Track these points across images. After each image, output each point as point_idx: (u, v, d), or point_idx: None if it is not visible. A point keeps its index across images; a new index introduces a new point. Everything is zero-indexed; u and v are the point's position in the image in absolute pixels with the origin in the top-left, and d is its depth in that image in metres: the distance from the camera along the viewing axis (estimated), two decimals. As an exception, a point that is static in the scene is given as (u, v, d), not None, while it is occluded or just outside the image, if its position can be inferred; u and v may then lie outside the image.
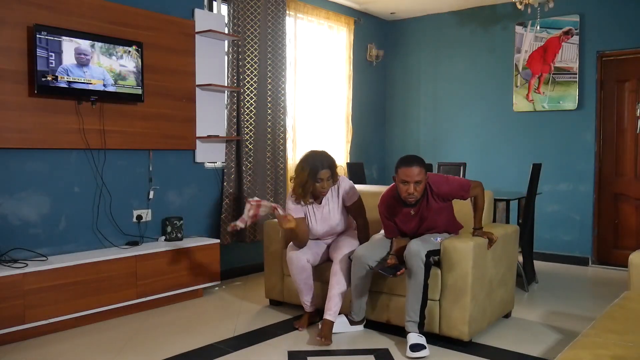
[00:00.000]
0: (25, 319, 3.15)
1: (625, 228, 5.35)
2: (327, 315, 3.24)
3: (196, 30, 4.37)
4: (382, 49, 6.55)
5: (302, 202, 3.45)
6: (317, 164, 3.32)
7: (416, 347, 2.95)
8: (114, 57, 3.71)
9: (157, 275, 3.82)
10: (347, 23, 6.02)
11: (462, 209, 3.63)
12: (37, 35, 3.30)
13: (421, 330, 3.05)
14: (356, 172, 5.35)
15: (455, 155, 6.14)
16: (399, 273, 3.05)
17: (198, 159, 4.48)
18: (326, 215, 3.51)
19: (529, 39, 5.75)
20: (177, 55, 4.23)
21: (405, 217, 3.22)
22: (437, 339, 3.15)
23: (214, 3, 4.68)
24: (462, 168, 5.19)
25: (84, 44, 3.54)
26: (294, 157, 5.25)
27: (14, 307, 3.10)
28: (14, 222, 3.42)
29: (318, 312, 3.49)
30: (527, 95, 5.76)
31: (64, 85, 3.45)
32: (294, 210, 3.44)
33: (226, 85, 4.64)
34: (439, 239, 3.14)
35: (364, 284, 3.27)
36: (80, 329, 3.42)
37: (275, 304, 3.95)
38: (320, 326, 3.26)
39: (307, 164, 3.33)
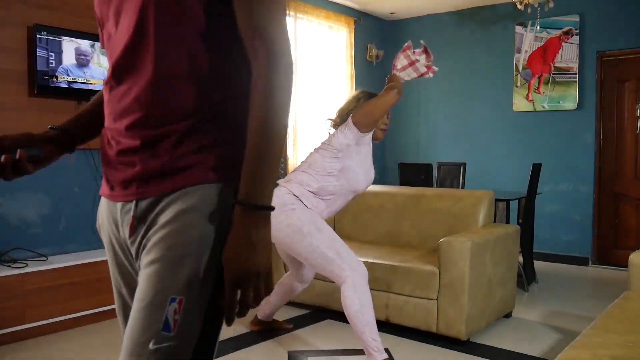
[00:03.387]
0: (25, 319, 3.15)
1: (625, 228, 5.35)
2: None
3: (196, 31, 4.36)
4: (382, 49, 6.55)
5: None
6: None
7: None
8: (114, 57, 3.70)
9: (157, 275, 3.81)
10: (347, 23, 6.02)
11: (462, 210, 3.61)
12: (37, 35, 3.31)
13: None
14: (356, 172, 5.33)
15: (455, 155, 6.13)
16: None
17: (198, 159, 4.47)
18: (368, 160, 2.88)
19: (529, 39, 5.75)
20: (177, 55, 4.23)
21: None
22: (434, 338, 3.15)
23: (214, 3, 4.68)
24: (462, 168, 5.19)
25: (84, 44, 3.54)
26: (294, 157, 5.25)
27: (14, 307, 3.10)
28: (14, 222, 3.42)
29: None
30: (527, 95, 5.76)
31: (64, 85, 3.45)
32: None
33: (226, 85, 4.63)
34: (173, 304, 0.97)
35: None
36: (80, 329, 3.42)
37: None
38: None
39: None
